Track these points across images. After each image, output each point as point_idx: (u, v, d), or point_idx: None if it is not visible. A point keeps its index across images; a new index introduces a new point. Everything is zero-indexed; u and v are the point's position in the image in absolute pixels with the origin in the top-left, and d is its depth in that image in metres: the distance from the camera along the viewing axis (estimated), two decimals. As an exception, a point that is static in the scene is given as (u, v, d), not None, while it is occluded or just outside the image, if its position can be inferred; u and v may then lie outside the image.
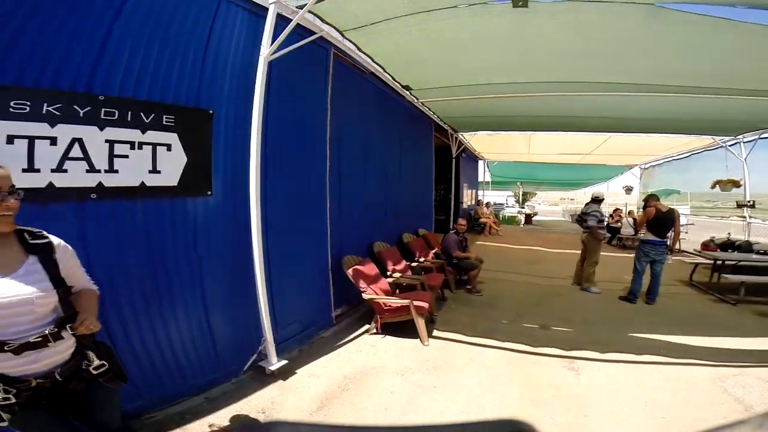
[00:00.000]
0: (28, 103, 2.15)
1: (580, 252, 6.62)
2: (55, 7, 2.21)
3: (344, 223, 4.77)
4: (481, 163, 17.47)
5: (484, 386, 3.19)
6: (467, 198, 14.31)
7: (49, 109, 2.22)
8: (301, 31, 3.55)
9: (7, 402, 1.26)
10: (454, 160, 10.56)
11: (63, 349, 1.42)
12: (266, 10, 3.28)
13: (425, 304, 4.07)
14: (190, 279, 2.92)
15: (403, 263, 5.57)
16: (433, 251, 6.71)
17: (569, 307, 5.46)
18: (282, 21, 3.32)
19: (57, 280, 1.42)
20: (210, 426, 2.58)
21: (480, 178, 18.03)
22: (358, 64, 4.91)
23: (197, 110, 2.98)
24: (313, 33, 3.70)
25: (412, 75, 5.41)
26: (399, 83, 5.68)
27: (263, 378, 3.19)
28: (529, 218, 19.83)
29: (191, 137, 2.90)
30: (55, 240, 1.48)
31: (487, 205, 15.76)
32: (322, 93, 4.30)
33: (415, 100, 6.42)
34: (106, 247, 2.46)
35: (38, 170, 2.16)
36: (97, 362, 1.47)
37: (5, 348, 1.27)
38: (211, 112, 3.06)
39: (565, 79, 4.96)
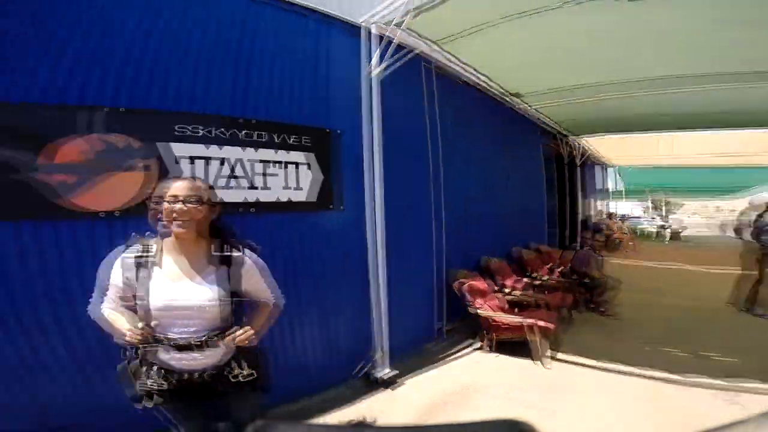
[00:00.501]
0: (201, 128, 2.48)
1: (741, 270, 5.35)
2: (211, 53, 2.62)
3: (450, 236, 4.58)
4: (609, 170, 15.36)
5: (615, 414, 2.72)
6: (590, 209, 12.73)
7: (216, 133, 2.53)
8: (397, 46, 3.61)
9: (161, 388, 1.41)
10: (568, 167, 9.60)
11: (219, 354, 1.48)
12: (359, 29, 3.40)
13: (550, 325, 3.70)
14: (320, 287, 3.07)
15: (522, 279, 5.12)
16: (560, 269, 6.11)
17: (730, 333, 4.39)
18: (377, 39, 3.40)
19: (234, 293, 1.48)
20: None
21: (609, 187, 15.83)
22: (456, 74, 4.81)
23: (326, 131, 3.14)
24: (410, 48, 3.72)
25: (518, 80, 5.06)
26: (505, 90, 5.40)
27: (372, 385, 3.21)
28: (675, 234, 16.80)
29: (324, 156, 3.06)
30: (245, 255, 1.55)
31: (623, 218, 13.86)
32: (422, 106, 4.25)
33: (520, 106, 6.05)
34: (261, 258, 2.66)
35: (212, 187, 2.43)
36: (245, 371, 1.51)
37: (172, 343, 1.39)
38: (339, 131, 3.23)
39: (715, 71, 4.13)
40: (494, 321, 3.83)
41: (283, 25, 3.03)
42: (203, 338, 1.42)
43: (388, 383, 3.20)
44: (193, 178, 1.57)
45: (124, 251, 1.45)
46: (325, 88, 3.21)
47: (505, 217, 6.18)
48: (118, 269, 1.43)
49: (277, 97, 2.88)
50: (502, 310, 4.16)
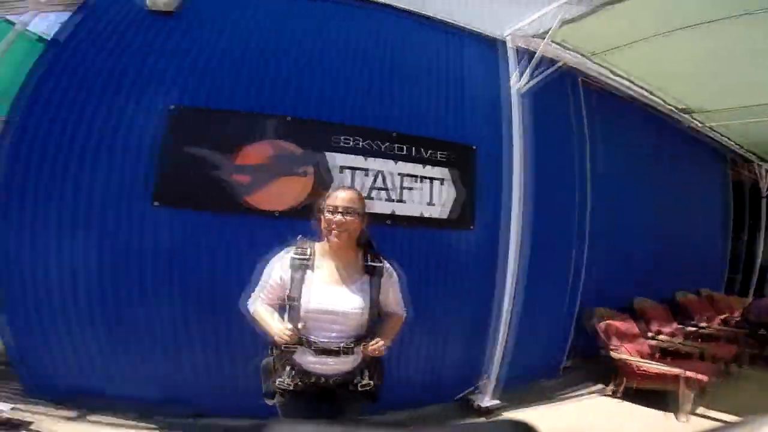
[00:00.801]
0: (351, 139, 2.63)
1: None
2: (360, 71, 2.79)
3: (590, 269, 3.98)
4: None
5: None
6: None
7: (363, 144, 2.66)
8: (542, 59, 3.31)
9: (289, 388, 1.43)
10: (765, 200, 7.36)
11: (349, 362, 1.49)
12: (498, 42, 3.22)
13: (703, 377, 3.20)
14: (439, 305, 2.93)
15: (674, 325, 4.35)
16: (723, 316, 4.93)
17: None
18: (521, 52, 3.19)
19: (374, 302, 1.50)
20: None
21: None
22: (610, 88, 4.23)
23: (463, 146, 3.04)
24: (556, 60, 3.38)
25: (688, 94, 4.23)
26: (671, 105, 4.55)
27: (469, 411, 3.02)
28: None
29: (460, 172, 2.96)
30: (386, 266, 1.58)
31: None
32: (569, 123, 3.81)
33: (691, 124, 5.01)
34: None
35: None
36: (365, 381, 1.50)
37: (312, 347, 1.42)
38: (474, 147, 3.09)
39: None
40: (634, 367, 3.45)
41: (427, 41, 3.09)
42: (342, 345, 1.44)
43: (488, 412, 2.99)
44: (355, 189, 1.62)
45: (287, 252, 1.54)
46: (465, 103, 3.14)
47: (664, 255, 5.14)
48: (278, 269, 1.51)
49: (418, 111, 2.92)
50: (649, 356, 3.73)
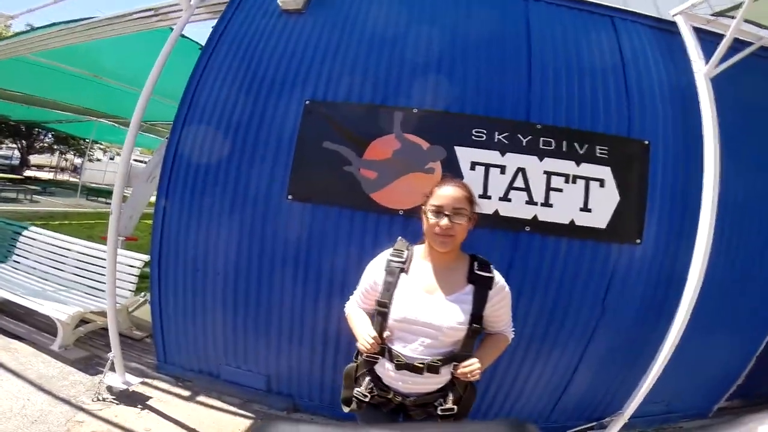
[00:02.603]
0: (484, 131, 2.28)
1: None
2: (488, 57, 2.46)
3: None
4: None
5: None
6: None
7: (499, 137, 2.28)
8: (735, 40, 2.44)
9: (364, 399, 1.32)
10: None
11: (432, 382, 1.30)
12: (671, 23, 2.51)
13: None
14: (582, 329, 2.42)
15: None
16: None
17: None
18: (702, 33, 2.44)
19: (476, 317, 1.28)
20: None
21: None
22: None
23: (630, 141, 2.39)
24: (742, 41, 2.45)
25: None
26: None
27: None
28: None
29: (625, 172, 2.32)
30: (497, 277, 1.34)
31: None
32: None
33: None
34: (520, 282, 2.24)
35: (489, 197, 2.20)
36: (448, 405, 1.30)
37: (394, 360, 1.27)
38: (646, 143, 2.42)
39: None
40: None
41: (574, 21, 2.62)
42: (428, 361, 1.26)
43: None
44: (464, 184, 1.32)
45: (386, 253, 1.39)
46: (631, 91, 2.51)
47: None
48: (374, 271, 1.38)
49: (566, 101, 2.41)
50: None
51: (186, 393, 2.57)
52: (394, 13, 2.60)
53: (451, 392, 1.32)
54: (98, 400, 2.34)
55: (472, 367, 1.24)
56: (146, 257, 3.02)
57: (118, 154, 16.06)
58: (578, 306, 2.36)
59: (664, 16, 2.68)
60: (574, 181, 2.27)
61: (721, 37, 2.41)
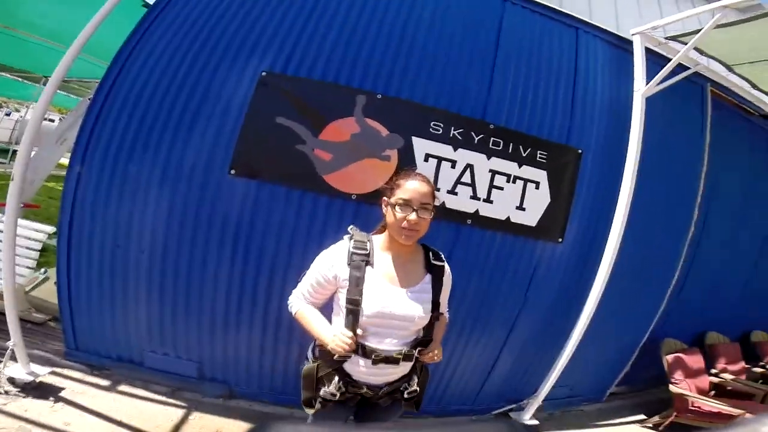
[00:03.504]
0: (441, 125, 2.35)
1: None
2: (458, 52, 2.50)
3: (683, 300, 3.53)
4: None
5: None
6: None
7: (454, 133, 2.36)
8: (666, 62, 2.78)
9: (334, 399, 1.29)
10: None
11: (402, 370, 1.35)
12: (627, 42, 2.80)
13: None
14: (505, 318, 2.69)
15: (740, 365, 4.02)
16: None
17: None
18: (649, 54, 2.73)
19: (435, 304, 1.35)
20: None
21: None
22: (744, 103, 3.56)
23: (567, 148, 2.63)
24: (683, 66, 2.81)
25: None
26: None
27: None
28: None
29: (558, 177, 2.57)
30: (446, 266, 1.43)
31: None
32: (694, 137, 3.24)
33: None
34: (457, 271, 2.43)
35: (438, 189, 2.28)
36: (413, 387, 1.38)
37: (372, 356, 1.26)
38: (580, 151, 2.67)
39: None
40: (689, 402, 3.31)
41: (539, 30, 2.73)
42: (404, 351, 1.30)
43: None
44: (427, 179, 1.35)
45: (342, 245, 1.35)
46: (576, 102, 2.72)
47: (757, 290, 4.40)
48: (333, 264, 1.31)
49: (521, 105, 2.55)
50: (703, 393, 3.60)
51: (105, 383, 2.33)
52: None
53: (416, 375, 1.38)
54: (1, 393, 2.03)
55: (435, 353, 1.36)
56: (50, 228, 2.63)
57: (17, 110, 13.63)
58: (505, 296, 2.60)
59: (623, 32, 2.90)
60: (514, 181, 2.45)
61: (666, 60, 2.69)
